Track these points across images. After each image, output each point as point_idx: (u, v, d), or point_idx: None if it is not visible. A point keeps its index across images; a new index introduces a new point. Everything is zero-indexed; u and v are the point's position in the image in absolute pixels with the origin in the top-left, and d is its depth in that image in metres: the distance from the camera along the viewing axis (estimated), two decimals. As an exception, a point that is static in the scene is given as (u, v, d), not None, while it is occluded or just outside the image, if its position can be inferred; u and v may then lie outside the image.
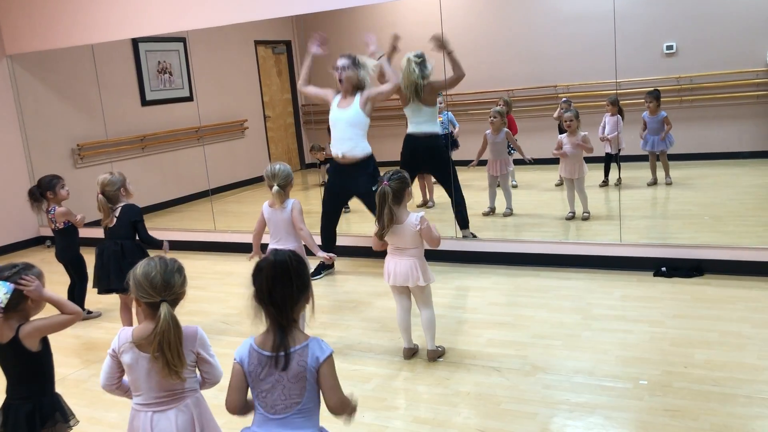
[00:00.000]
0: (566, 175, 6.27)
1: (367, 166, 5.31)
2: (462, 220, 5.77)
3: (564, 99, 7.13)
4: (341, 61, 5.20)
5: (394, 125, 8.46)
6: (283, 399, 2.07)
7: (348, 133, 5.23)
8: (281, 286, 2.04)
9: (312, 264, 5.52)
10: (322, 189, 7.66)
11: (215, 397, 2.51)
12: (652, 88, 6.93)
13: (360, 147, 5.28)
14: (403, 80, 5.62)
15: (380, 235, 3.66)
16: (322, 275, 5.56)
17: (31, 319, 2.52)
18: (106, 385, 2.36)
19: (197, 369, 2.36)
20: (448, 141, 7.14)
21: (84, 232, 5.23)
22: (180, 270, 2.30)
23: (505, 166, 6.53)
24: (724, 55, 7.16)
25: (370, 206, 5.09)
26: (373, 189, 3.85)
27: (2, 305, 2.38)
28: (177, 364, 2.21)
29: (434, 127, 5.71)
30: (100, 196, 4.29)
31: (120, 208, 4.33)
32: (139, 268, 2.24)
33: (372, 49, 5.37)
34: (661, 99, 6.95)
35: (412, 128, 5.77)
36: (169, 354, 2.20)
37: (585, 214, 6.21)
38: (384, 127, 8.82)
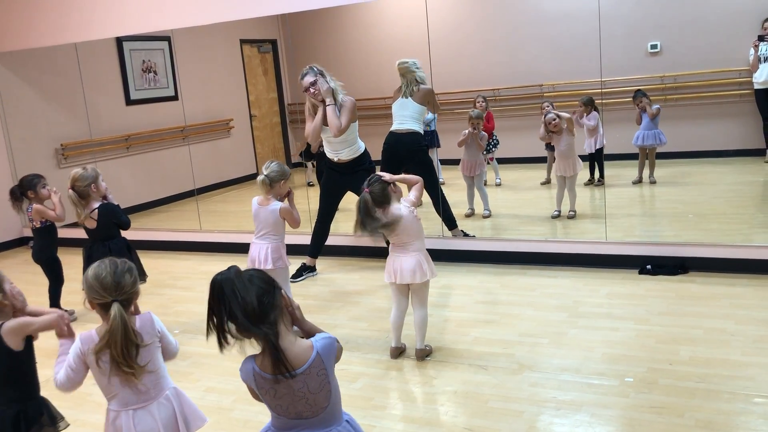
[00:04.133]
0: (561, 173, 6.26)
1: (362, 162, 5.37)
2: (449, 220, 5.77)
3: (546, 106, 7.13)
4: (307, 79, 5.12)
5: (383, 124, 8.46)
6: (308, 408, 2.01)
7: (338, 143, 5.24)
8: (243, 301, 1.92)
9: (294, 264, 5.51)
10: (308, 188, 7.66)
11: (201, 399, 2.51)
12: (636, 88, 6.97)
13: (353, 148, 5.32)
14: (404, 73, 5.60)
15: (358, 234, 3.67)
16: (303, 277, 5.54)
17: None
18: (68, 389, 2.33)
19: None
20: (433, 139, 7.15)
21: (65, 233, 5.18)
22: (131, 270, 2.32)
23: (479, 166, 6.51)
24: (708, 54, 7.22)
25: None
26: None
27: None
28: (125, 364, 2.22)
29: (417, 126, 5.69)
30: (70, 191, 4.23)
31: (97, 210, 4.27)
32: (90, 270, 2.28)
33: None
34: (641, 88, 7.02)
35: (395, 125, 5.76)
36: (115, 352, 2.21)
37: (571, 213, 6.24)
38: (374, 126, 8.82)
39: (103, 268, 2.27)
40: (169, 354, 2.44)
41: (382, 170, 4.02)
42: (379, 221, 3.55)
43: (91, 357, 2.27)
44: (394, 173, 3.86)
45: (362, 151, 5.37)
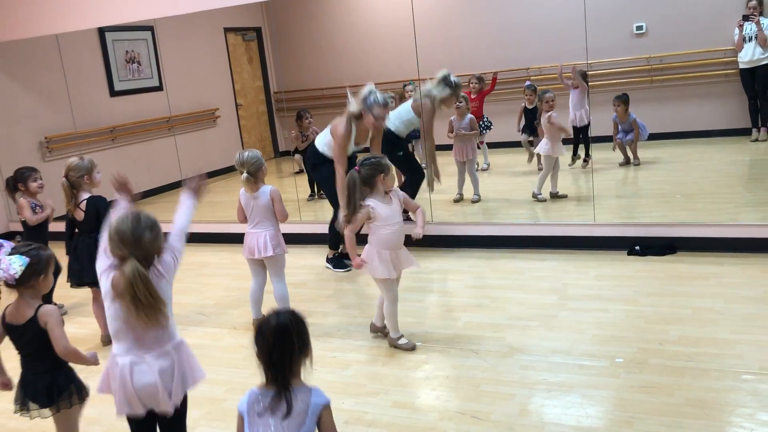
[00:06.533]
0: (551, 153, 6.20)
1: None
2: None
3: (528, 83, 7.14)
4: (386, 112, 4.96)
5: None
6: None
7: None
8: (282, 350, 2.04)
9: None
10: (297, 177, 7.62)
11: (192, 389, 2.51)
12: (626, 81, 6.97)
13: None
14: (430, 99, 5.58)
15: (348, 219, 3.66)
16: (348, 268, 5.29)
17: (44, 307, 2.58)
18: None
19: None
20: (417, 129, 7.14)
21: (57, 227, 5.13)
22: (152, 227, 2.37)
23: (471, 151, 6.50)
24: (693, 35, 7.23)
25: None
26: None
27: (17, 276, 2.51)
28: (154, 309, 2.29)
29: (393, 125, 5.60)
30: (63, 179, 4.19)
31: (85, 201, 4.21)
32: (114, 222, 2.34)
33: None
34: (631, 79, 7.02)
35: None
36: (146, 300, 2.28)
37: (557, 193, 6.22)
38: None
39: (125, 221, 2.32)
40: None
41: None
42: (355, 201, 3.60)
43: (108, 299, 2.36)
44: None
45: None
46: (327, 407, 2.08)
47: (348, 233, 3.69)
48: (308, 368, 2.10)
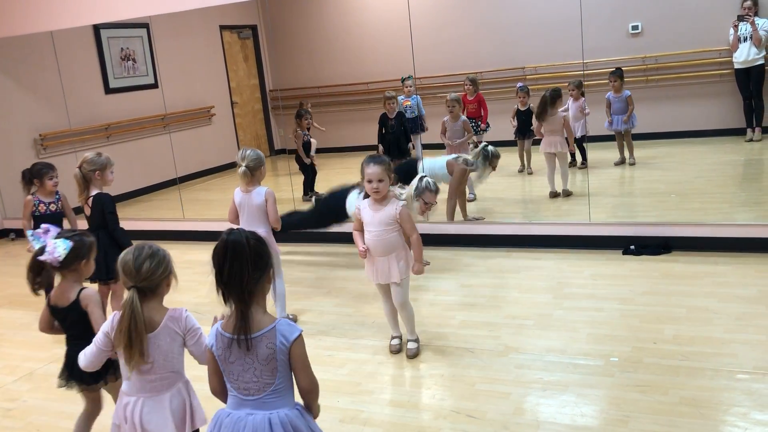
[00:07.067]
0: (553, 149, 6.29)
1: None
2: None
3: (520, 85, 7.14)
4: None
5: (364, 109, 8.45)
6: (255, 381, 2.06)
7: None
8: (234, 265, 2.02)
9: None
10: (293, 176, 7.61)
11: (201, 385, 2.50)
12: (614, 68, 6.99)
13: None
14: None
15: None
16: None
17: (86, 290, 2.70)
18: (87, 365, 2.44)
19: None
20: (417, 125, 7.14)
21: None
22: (152, 257, 2.35)
23: (465, 151, 6.51)
24: (689, 35, 7.24)
25: None
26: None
27: (60, 258, 2.62)
28: (128, 349, 2.27)
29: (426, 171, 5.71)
30: (77, 170, 4.23)
31: (93, 198, 4.25)
32: (123, 252, 2.37)
33: None
34: (627, 79, 7.02)
35: None
36: (121, 336, 2.27)
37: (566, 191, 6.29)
38: (355, 111, 8.79)
39: (130, 252, 2.35)
40: (196, 357, 2.44)
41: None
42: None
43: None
44: None
45: None
46: (297, 341, 2.05)
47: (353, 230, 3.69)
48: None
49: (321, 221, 5.55)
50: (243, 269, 2.01)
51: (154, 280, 2.35)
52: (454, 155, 5.83)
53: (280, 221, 4.17)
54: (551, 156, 6.30)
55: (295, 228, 5.55)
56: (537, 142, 6.62)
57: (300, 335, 2.07)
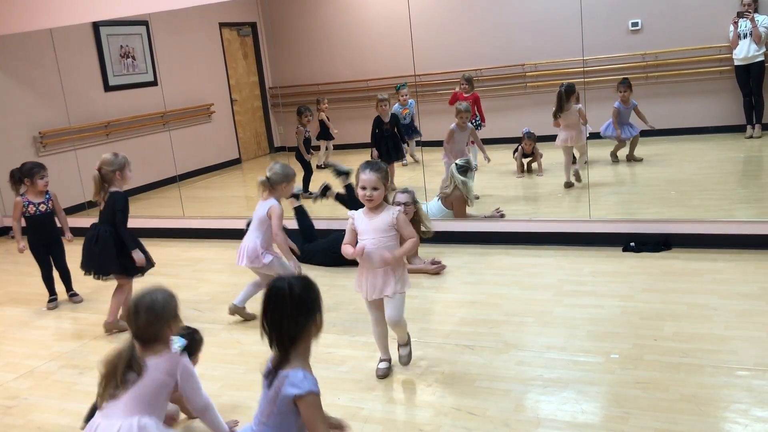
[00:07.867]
0: (570, 143, 6.41)
1: None
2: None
3: (526, 130, 7.12)
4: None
5: (364, 107, 8.44)
6: (259, 414, 2.13)
7: None
8: (275, 314, 2.07)
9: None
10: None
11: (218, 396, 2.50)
12: (622, 78, 6.98)
13: None
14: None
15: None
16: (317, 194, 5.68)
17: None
18: None
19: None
20: (409, 130, 7.14)
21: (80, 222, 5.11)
22: (149, 310, 2.39)
23: (464, 155, 6.49)
24: (688, 31, 7.24)
25: None
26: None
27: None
28: (111, 377, 2.33)
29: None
30: (96, 172, 4.27)
31: (109, 194, 4.30)
32: (132, 297, 2.51)
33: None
34: (627, 76, 7.02)
35: None
36: (107, 369, 2.35)
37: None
38: (356, 108, 8.78)
39: (135, 299, 2.41)
40: (190, 404, 2.49)
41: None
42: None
43: None
44: None
45: None
46: (301, 398, 2.05)
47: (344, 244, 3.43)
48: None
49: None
50: (283, 317, 2.09)
51: (150, 331, 2.40)
52: (443, 188, 5.86)
53: (283, 237, 4.16)
54: (568, 149, 6.43)
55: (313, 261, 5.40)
56: (544, 139, 6.61)
57: (308, 394, 2.07)
